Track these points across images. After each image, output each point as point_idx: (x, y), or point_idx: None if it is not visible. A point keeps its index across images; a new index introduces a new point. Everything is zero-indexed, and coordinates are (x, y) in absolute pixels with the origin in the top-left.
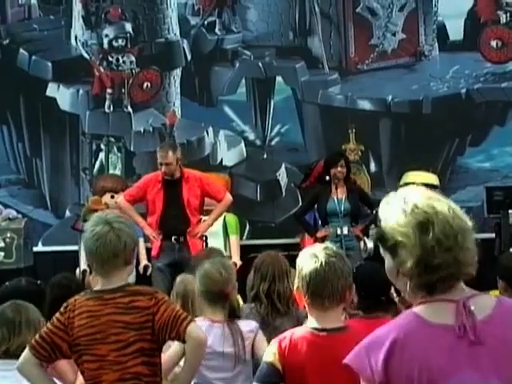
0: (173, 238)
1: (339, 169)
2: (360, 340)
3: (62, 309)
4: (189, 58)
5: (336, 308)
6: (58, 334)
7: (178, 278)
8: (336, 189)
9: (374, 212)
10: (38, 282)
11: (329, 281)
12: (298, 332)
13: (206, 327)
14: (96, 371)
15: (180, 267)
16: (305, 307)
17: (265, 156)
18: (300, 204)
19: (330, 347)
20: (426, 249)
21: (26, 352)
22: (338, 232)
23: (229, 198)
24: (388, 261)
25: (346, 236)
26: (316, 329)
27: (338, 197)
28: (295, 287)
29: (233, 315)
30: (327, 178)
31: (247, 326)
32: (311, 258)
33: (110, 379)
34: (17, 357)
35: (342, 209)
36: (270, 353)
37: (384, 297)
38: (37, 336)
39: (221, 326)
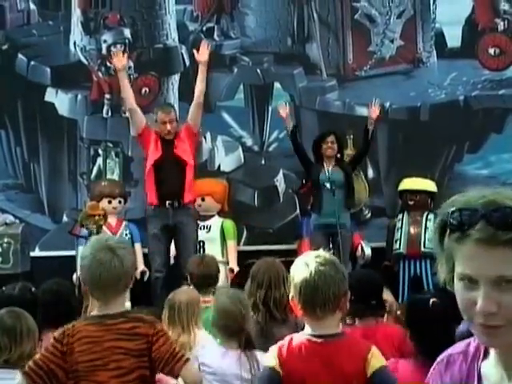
0: (167, 203)
1: (329, 144)
2: (356, 347)
3: (58, 335)
4: (187, 63)
5: (330, 316)
6: (55, 361)
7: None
8: (327, 162)
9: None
10: (33, 288)
11: (319, 289)
12: (297, 338)
13: (220, 353)
14: None
15: (175, 233)
16: (301, 317)
17: (262, 162)
18: (297, 210)
19: (326, 353)
20: None
21: (21, 381)
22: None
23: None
24: None
25: (340, 210)
26: (313, 335)
27: (330, 169)
28: (290, 296)
29: (248, 345)
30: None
31: (263, 356)
32: (302, 266)
33: None
34: (17, 366)
35: (335, 179)
36: (270, 358)
37: (374, 301)
38: (31, 363)
39: (236, 353)
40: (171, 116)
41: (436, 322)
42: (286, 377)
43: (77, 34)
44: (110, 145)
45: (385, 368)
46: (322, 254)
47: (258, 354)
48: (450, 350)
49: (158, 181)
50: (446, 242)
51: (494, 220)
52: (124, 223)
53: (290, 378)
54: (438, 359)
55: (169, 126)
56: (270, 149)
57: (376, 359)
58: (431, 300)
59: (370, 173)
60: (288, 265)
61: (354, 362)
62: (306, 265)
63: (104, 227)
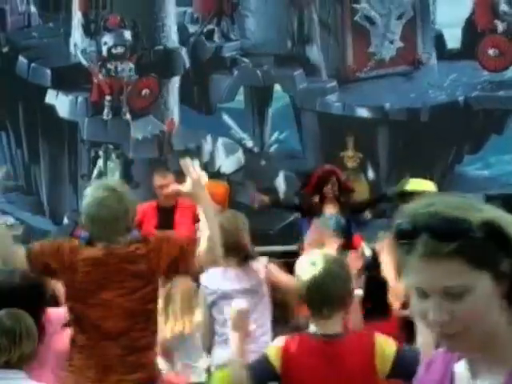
0: None
1: (329, 186)
2: (360, 342)
3: (67, 247)
4: (187, 65)
5: (337, 314)
6: (55, 260)
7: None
8: (328, 204)
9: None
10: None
11: (327, 289)
12: (302, 336)
13: (220, 272)
14: (103, 313)
15: None
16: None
17: (263, 163)
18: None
19: (331, 352)
20: None
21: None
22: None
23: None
24: (485, 285)
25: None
26: (318, 334)
27: (330, 213)
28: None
29: (247, 258)
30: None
31: (259, 263)
32: (309, 265)
33: (118, 321)
34: (18, 367)
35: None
36: (273, 350)
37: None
38: (37, 246)
39: (234, 269)
40: (168, 180)
41: None
42: (287, 374)
43: (77, 36)
44: (111, 147)
45: (400, 349)
46: (328, 252)
47: (254, 264)
48: (438, 350)
49: None
50: (397, 252)
51: (436, 232)
52: None
53: (291, 375)
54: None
55: (164, 191)
56: (271, 150)
57: (387, 347)
58: None
59: (370, 174)
60: (289, 266)
61: (359, 358)
62: (312, 263)
63: None
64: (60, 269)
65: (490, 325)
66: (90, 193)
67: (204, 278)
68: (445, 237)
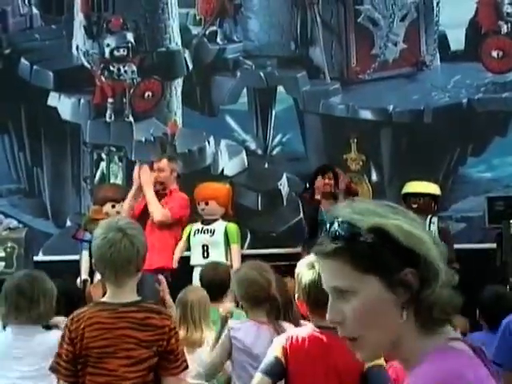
0: None
1: (326, 181)
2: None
3: (67, 322)
4: (190, 67)
5: None
6: (71, 349)
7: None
8: (325, 201)
9: None
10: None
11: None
12: (302, 330)
13: (254, 330)
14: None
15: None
16: (307, 315)
17: (266, 165)
18: (301, 214)
19: (327, 342)
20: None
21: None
22: None
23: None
24: (372, 290)
25: None
26: (317, 327)
27: (327, 209)
28: (296, 296)
29: (277, 316)
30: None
31: (291, 328)
32: (309, 268)
33: None
34: (37, 324)
35: None
36: (276, 348)
37: None
38: (56, 358)
39: (267, 328)
40: (160, 164)
41: None
42: (292, 367)
43: (79, 38)
44: (113, 149)
45: (381, 367)
46: None
47: (287, 327)
48: None
49: None
50: None
51: (328, 232)
52: None
53: (294, 368)
54: None
55: (155, 174)
56: (274, 152)
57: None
58: None
59: (374, 176)
60: (291, 268)
61: (350, 356)
62: (312, 267)
63: None
64: (73, 346)
65: (389, 333)
66: (101, 233)
67: (236, 330)
68: (333, 238)
